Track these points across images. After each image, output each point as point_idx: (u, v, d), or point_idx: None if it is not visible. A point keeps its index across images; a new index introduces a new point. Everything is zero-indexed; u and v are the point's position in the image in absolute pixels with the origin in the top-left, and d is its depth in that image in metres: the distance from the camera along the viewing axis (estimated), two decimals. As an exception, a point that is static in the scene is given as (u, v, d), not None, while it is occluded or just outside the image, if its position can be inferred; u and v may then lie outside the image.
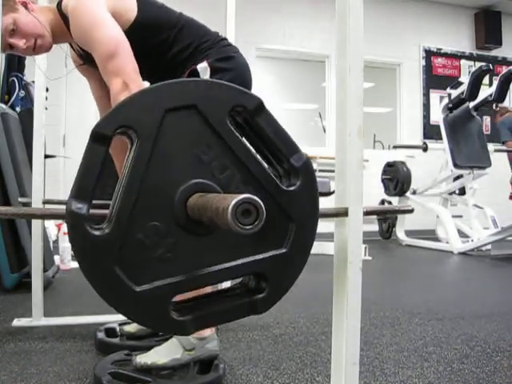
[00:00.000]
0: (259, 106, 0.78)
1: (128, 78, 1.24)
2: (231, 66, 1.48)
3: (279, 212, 0.79)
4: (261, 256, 0.78)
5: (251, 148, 0.79)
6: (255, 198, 0.59)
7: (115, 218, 0.72)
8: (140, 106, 0.73)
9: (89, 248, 0.71)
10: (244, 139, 0.80)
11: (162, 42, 1.45)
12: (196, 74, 1.42)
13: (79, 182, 0.72)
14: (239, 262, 0.78)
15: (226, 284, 1.37)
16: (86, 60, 1.50)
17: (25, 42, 1.42)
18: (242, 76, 1.52)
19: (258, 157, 0.79)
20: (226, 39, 1.57)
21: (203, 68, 1.43)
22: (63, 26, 1.41)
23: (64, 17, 1.38)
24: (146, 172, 0.73)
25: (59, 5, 1.40)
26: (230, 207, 0.58)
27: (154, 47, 1.45)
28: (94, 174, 0.72)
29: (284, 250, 0.79)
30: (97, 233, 0.71)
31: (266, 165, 0.80)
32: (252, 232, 0.60)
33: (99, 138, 0.71)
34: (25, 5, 1.42)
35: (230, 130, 0.77)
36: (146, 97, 0.74)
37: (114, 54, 1.25)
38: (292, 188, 0.79)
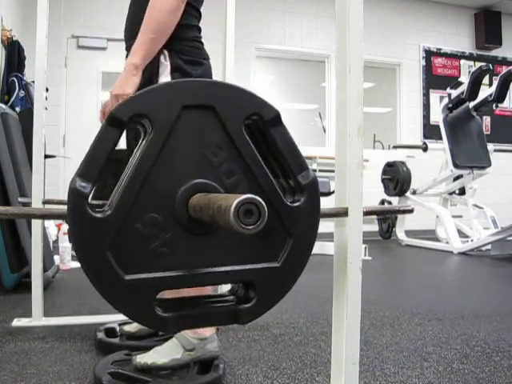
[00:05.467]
0: (276, 118, 0.79)
1: None
2: (197, 73, 1.39)
3: (279, 226, 0.79)
4: (253, 266, 0.78)
5: (261, 159, 0.79)
6: (258, 198, 0.59)
7: (116, 203, 0.72)
8: (158, 98, 0.74)
9: (85, 228, 0.71)
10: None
11: None
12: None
13: (87, 161, 0.72)
14: (231, 268, 0.77)
15: (227, 287, 1.38)
16: None
17: None
18: None
19: (267, 169, 0.79)
20: (202, 42, 1.48)
21: (164, 65, 1.36)
22: None
23: None
24: (154, 164, 0.73)
25: None
26: (233, 206, 0.58)
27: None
28: (103, 156, 0.72)
29: (277, 264, 0.79)
30: (96, 215, 0.71)
31: (272, 177, 0.80)
32: (254, 232, 0.59)
33: (114, 122, 0.72)
34: None
35: (244, 137, 0.77)
36: (165, 90, 0.75)
37: None
38: (295, 204, 0.80)
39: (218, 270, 0.77)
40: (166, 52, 1.36)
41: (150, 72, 1.34)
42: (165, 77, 1.36)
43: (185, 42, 1.39)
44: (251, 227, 0.59)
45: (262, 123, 0.78)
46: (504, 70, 4.89)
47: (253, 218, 0.59)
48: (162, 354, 1.36)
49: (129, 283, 0.72)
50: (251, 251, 0.78)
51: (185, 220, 0.74)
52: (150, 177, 0.73)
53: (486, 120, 6.58)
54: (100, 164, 0.72)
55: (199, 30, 1.47)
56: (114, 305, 0.73)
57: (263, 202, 0.59)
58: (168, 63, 1.37)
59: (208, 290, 1.20)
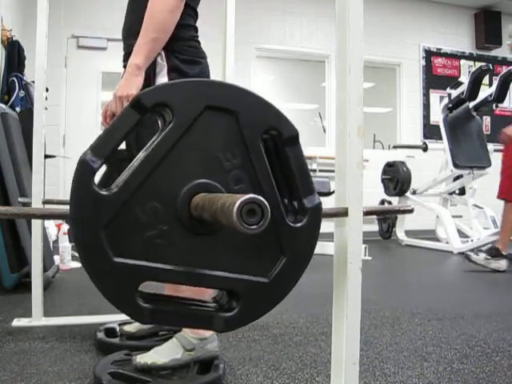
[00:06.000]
0: (294, 138, 0.79)
1: None
2: (194, 73, 1.39)
3: (275, 243, 0.79)
4: (241, 277, 0.78)
5: (271, 173, 0.79)
6: (261, 198, 0.59)
7: (123, 183, 0.72)
8: (184, 92, 0.75)
9: (86, 203, 0.71)
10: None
11: None
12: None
13: (103, 137, 0.73)
14: (219, 273, 0.77)
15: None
16: None
17: None
18: None
19: (274, 184, 0.79)
20: (199, 41, 1.47)
21: (161, 65, 1.37)
22: None
23: None
24: (167, 155, 0.74)
25: None
26: (236, 205, 0.57)
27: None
28: (119, 136, 0.73)
29: (265, 280, 0.79)
30: (99, 191, 0.71)
31: (278, 193, 0.80)
32: (256, 232, 0.59)
33: (137, 106, 0.73)
34: None
35: (259, 149, 0.78)
36: (192, 86, 0.76)
37: None
38: (295, 225, 0.80)
39: (206, 273, 0.77)
40: (162, 52, 1.36)
41: (148, 72, 1.34)
42: (162, 77, 1.36)
43: (182, 42, 1.39)
44: (254, 227, 0.59)
45: (280, 140, 0.79)
46: (504, 70, 4.88)
47: (256, 217, 0.59)
48: (162, 354, 1.36)
49: (116, 266, 0.72)
50: (243, 262, 0.78)
51: (185, 217, 0.74)
52: (160, 166, 0.74)
53: (486, 120, 6.58)
54: (114, 143, 0.72)
55: (196, 29, 1.47)
56: (97, 284, 0.73)
57: (266, 203, 0.59)
58: (165, 63, 1.37)
59: (208, 294, 1.19)
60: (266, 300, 0.80)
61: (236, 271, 0.78)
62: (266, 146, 0.80)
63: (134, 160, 0.74)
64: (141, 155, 0.74)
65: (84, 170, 0.71)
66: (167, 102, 0.74)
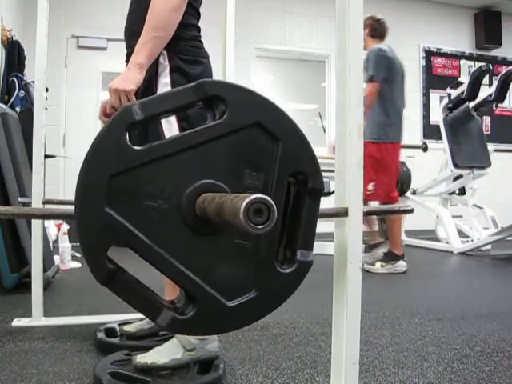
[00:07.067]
0: (318, 191, 0.80)
1: None
2: (196, 72, 1.38)
3: (253, 276, 0.79)
4: (207, 288, 0.77)
5: (281, 213, 0.79)
6: (269, 198, 0.59)
7: (149, 147, 0.73)
8: (243, 99, 0.77)
9: (108, 145, 0.72)
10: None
11: None
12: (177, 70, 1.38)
13: (155, 99, 0.75)
14: (188, 272, 0.76)
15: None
16: None
17: None
18: None
19: (279, 225, 0.79)
20: (201, 41, 1.47)
21: (163, 65, 1.37)
22: None
23: None
24: (200, 145, 0.75)
25: None
26: (244, 203, 0.57)
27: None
28: (170, 105, 0.75)
29: (226, 304, 0.78)
30: (126, 141, 0.72)
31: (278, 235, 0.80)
32: (262, 232, 0.59)
33: (199, 89, 0.75)
34: None
35: (283, 185, 0.79)
36: (250, 97, 0.77)
37: None
38: (279, 269, 0.80)
39: (177, 265, 0.76)
40: (164, 52, 1.36)
41: (150, 73, 1.34)
42: (164, 77, 1.36)
43: (184, 42, 1.39)
44: (260, 227, 0.59)
45: (303, 186, 0.79)
46: (504, 69, 4.88)
47: (262, 217, 0.59)
48: (162, 354, 1.36)
49: (103, 215, 0.72)
50: (215, 275, 0.78)
51: (187, 209, 0.75)
52: (190, 151, 0.75)
53: (486, 120, 6.58)
54: (163, 108, 0.74)
55: (198, 29, 1.47)
56: (78, 224, 0.73)
57: (274, 205, 0.59)
58: (167, 63, 1.37)
59: None
60: (219, 321, 0.79)
61: (204, 280, 0.77)
62: (288, 185, 0.80)
63: (177, 134, 0.76)
64: (181, 133, 0.76)
65: (124, 116, 0.71)
66: (226, 99, 0.75)
